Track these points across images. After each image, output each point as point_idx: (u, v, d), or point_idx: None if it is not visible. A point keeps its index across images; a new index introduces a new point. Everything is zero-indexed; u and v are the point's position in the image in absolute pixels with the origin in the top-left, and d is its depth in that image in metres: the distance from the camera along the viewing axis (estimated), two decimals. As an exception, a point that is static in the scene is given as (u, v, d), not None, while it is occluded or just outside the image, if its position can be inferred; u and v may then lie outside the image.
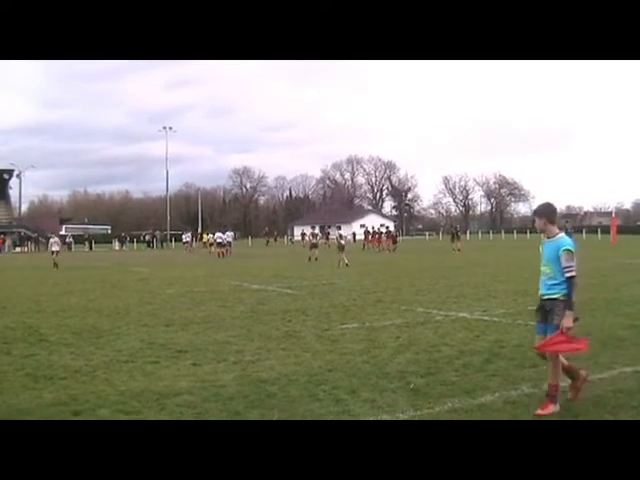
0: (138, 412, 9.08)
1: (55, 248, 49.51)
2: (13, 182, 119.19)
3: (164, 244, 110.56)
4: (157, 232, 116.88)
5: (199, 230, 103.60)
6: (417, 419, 8.42)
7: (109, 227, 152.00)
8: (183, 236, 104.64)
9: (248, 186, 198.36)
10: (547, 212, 9.07)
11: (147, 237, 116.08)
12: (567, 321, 8.53)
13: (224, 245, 65.13)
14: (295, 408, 9.07)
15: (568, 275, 8.53)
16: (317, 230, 58.87)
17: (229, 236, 66.97)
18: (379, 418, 8.46)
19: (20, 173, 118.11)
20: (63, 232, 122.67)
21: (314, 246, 50.38)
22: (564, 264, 8.55)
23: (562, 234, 8.88)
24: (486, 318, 16.92)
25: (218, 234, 69.81)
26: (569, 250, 8.57)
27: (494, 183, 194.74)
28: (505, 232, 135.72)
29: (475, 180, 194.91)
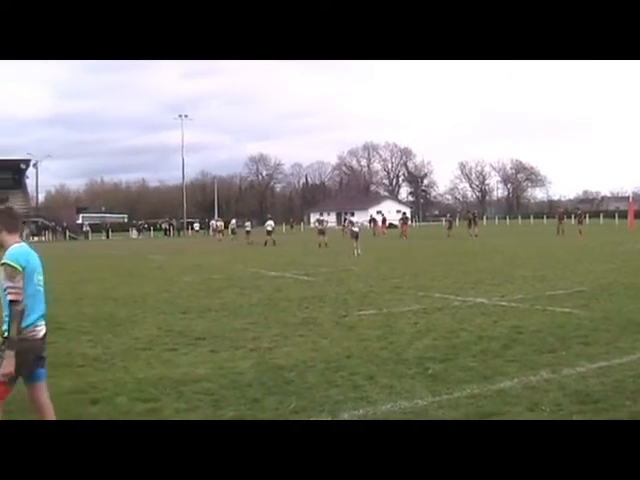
0: (156, 399, 9.10)
1: None
2: (30, 172, 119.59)
3: (180, 232, 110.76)
4: (174, 220, 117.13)
5: (215, 217, 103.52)
6: (435, 405, 8.40)
7: (126, 216, 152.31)
8: (195, 224, 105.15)
9: (264, 173, 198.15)
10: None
11: (164, 225, 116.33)
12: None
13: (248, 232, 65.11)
14: (313, 394, 9.06)
15: (9, 299, 6.26)
16: (325, 217, 58.95)
17: (248, 225, 66.66)
18: (397, 404, 8.45)
19: (37, 163, 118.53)
20: (80, 221, 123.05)
21: (321, 233, 50.41)
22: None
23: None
24: (504, 303, 16.86)
25: (233, 221, 69.88)
26: (8, 265, 6.32)
27: (511, 168, 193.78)
28: (522, 217, 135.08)
29: (491, 165, 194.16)
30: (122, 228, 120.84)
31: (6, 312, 6.25)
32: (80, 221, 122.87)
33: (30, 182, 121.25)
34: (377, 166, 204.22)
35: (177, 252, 52.11)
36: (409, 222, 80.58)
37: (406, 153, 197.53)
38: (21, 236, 6.72)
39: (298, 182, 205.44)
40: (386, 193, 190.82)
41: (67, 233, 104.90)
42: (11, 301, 6.17)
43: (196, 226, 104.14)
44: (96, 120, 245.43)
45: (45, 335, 6.57)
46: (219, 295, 20.88)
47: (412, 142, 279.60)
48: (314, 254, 42.17)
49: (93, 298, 21.17)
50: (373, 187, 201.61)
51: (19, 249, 6.43)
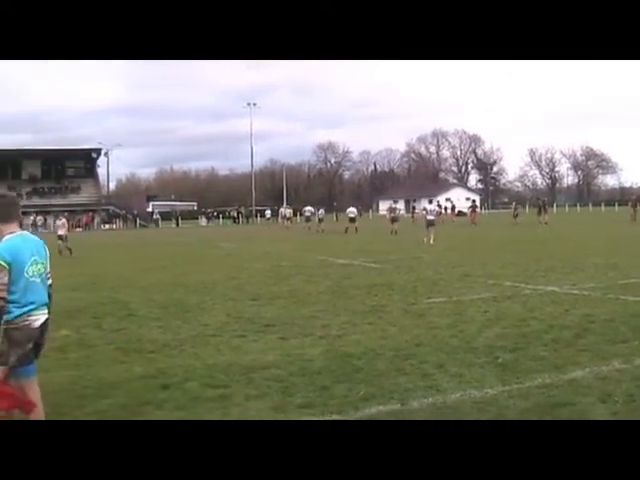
0: (225, 386, 9.16)
1: (62, 232, 39.11)
2: (101, 161, 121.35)
3: (249, 219, 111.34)
4: (242, 208, 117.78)
5: (284, 205, 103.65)
6: (506, 394, 8.33)
7: (195, 204, 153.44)
8: (267, 212, 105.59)
9: (333, 161, 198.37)
10: None
11: (233, 213, 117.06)
12: None
13: (309, 219, 65.33)
14: (382, 382, 9.04)
15: None
16: (397, 204, 58.68)
17: (321, 213, 66.53)
18: (467, 393, 8.39)
19: (108, 152, 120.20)
20: (150, 209, 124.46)
21: (394, 220, 50.32)
22: None
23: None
24: (575, 292, 16.63)
25: (308, 208, 70.10)
26: None
27: (581, 155, 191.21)
28: (593, 205, 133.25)
29: (562, 152, 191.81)
30: (191, 216, 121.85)
31: None
32: (150, 209, 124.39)
33: (101, 171, 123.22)
34: (446, 153, 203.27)
35: (246, 239, 52.41)
36: (478, 209, 79.99)
37: (475, 140, 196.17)
38: (21, 225, 6.71)
39: (367, 169, 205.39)
40: (455, 180, 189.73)
41: (137, 221, 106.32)
42: None
43: (267, 213, 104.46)
44: (166, 109, 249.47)
45: (43, 325, 6.52)
46: (288, 282, 20.96)
47: (481, 129, 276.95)
48: (383, 241, 42.09)
49: (163, 285, 21.41)
50: (442, 174, 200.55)
51: (8, 242, 6.40)
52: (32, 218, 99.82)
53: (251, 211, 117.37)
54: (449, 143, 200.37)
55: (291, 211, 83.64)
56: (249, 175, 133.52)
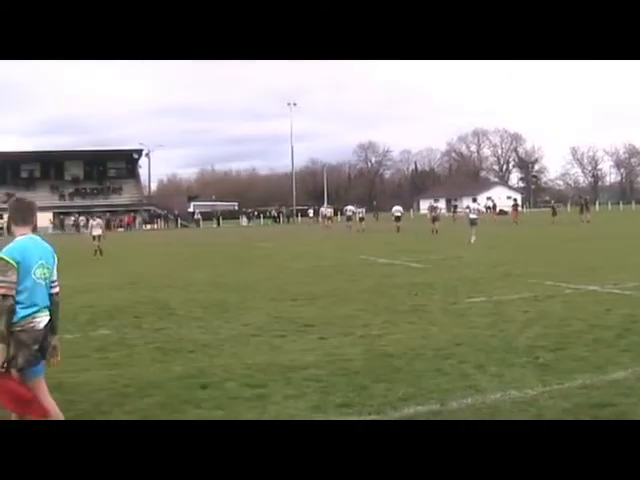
0: (264, 385, 9.16)
1: (97, 232, 39.10)
2: (143, 161, 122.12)
3: (290, 219, 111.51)
4: (283, 208, 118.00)
5: (325, 205, 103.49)
6: (546, 395, 8.26)
7: (236, 204, 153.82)
8: (310, 211, 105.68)
9: (373, 160, 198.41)
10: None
11: (273, 213, 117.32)
12: None
13: (351, 219, 65.29)
14: (421, 382, 9.01)
15: None
16: (438, 203, 58.55)
17: (362, 212, 66.54)
18: (507, 394, 8.33)
19: (149, 152, 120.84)
20: (191, 209, 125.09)
21: (435, 219, 50.20)
22: None
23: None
24: (617, 291, 16.45)
25: (349, 207, 70.14)
26: (1, 259, 6.41)
27: (624, 153, 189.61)
28: (636, 203, 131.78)
29: (604, 150, 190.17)
30: (232, 216, 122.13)
31: None
32: (191, 209, 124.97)
33: (143, 171, 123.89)
34: (487, 152, 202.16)
35: (287, 239, 52.52)
36: (520, 208, 79.58)
37: (516, 138, 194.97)
38: (35, 229, 6.80)
39: (407, 169, 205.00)
40: (496, 179, 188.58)
41: (179, 221, 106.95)
42: (0, 295, 6.25)
43: (310, 213, 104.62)
44: (207, 109, 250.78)
45: (46, 326, 6.52)
46: (328, 282, 20.97)
47: (522, 127, 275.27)
48: (424, 241, 41.97)
49: (204, 284, 21.51)
50: (483, 173, 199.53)
51: (18, 243, 6.52)
52: (73, 219, 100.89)
53: (292, 211, 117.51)
54: (490, 142, 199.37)
55: (332, 210, 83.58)
56: (290, 175, 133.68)
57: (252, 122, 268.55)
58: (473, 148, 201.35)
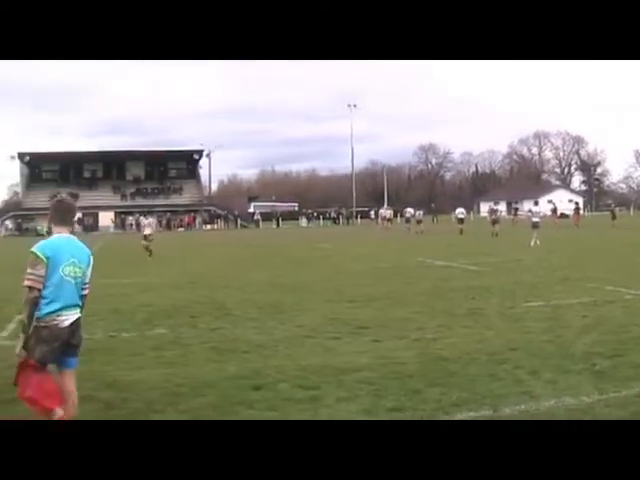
0: (317, 387, 9.16)
1: (148, 231, 37.66)
2: (203, 162, 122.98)
3: (349, 221, 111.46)
4: (343, 209, 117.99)
5: (385, 206, 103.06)
6: (602, 403, 8.14)
7: (296, 204, 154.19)
8: (371, 212, 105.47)
9: (434, 162, 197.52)
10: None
11: (333, 214, 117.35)
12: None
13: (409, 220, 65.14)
14: (475, 387, 8.93)
15: (25, 284, 6.65)
16: (498, 206, 58.24)
17: (419, 214, 66.34)
18: (561, 400, 8.21)
19: (210, 153, 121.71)
20: (251, 209, 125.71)
21: (495, 222, 49.95)
22: None
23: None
24: (680, 298, 16.17)
25: (408, 209, 70.04)
26: (32, 252, 6.70)
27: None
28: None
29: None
30: (292, 217, 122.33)
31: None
32: (251, 210, 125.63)
33: (203, 172, 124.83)
34: (548, 154, 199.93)
35: (346, 240, 52.51)
36: (581, 211, 78.73)
37: (578, 141, 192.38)
38: (72, 230, 7.11)
39: (468, 171, 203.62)
40: (557, 182, 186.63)
41: (238, 221, 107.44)
42: (27, 287, 6.55)
43: (372, 214, 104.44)
44: (267, 110, 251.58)
45: (73, 324, 6.74)
46: (385, 283, 20.94)
47: (584, 130, 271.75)
48: (483, 243, 41.67)
49: (261, 285, 21.59)
50: (544, 176, 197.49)
51: (52, 240, 6.81)
52: (131, 218, 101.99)
53: (351, 212, 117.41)
54: (552, 144, 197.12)
55: (391, 212, 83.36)
56: (349, 176, 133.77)
57: (312, 123, 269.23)
58: (534, 150, 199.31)
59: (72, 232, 7.07)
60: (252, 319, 14.94)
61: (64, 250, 6.72)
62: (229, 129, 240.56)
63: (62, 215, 7.03)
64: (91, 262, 7.03)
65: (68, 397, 6.84)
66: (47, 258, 6.56)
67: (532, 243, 36.98)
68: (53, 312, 6.59)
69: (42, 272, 6.54)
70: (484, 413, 7.84)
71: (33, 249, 6.66)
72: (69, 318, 6.69)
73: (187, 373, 10.22)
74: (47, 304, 6.57)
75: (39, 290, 6.53)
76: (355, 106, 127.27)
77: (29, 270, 6.57)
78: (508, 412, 7.87)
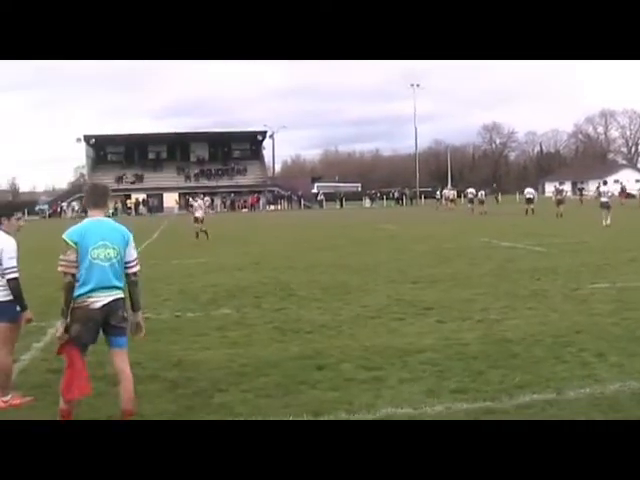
0: (380, 368, 9.20)
1: (199, 214, 36.19)
2: (267, 143, 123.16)
3: (413, 201, 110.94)
4: (406, 189, 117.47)
5: (448, 187, 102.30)
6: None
7: (359, 185, 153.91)
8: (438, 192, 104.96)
9: (498, 142, 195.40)
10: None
11: (396, 194, 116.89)
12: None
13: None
14: (539, 370, 8.89)
15: (58, 270, 7.07)
16: (563, 186, 57.22)
17: (482, 194, 65.49)
18: (627, 385, 8.12)
19: (273, 134, 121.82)
20: (314, 190, 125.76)
21: (560, 202, 49.04)
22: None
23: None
24: None
25: (470, 190, 69.43)
26: (63, 239, 7.01)
27: None
28: None
29: None
30: (355, 197, 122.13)
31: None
32: (315, 190, 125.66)
33: (267, 153, 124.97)
34: (615, 133, 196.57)
35: (409, 221, 52.33)
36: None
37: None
38: (107, 213, 7.34)
39: (532, 150, 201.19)
40: (624, 162, 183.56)
41: (302, 202, 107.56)
42: (61, 272, 6.89)
43: (437, 194, 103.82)
44: (331, 91, 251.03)
45: (108, 305, 6.92)
46: (449, 265, 20.88)
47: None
48: (548, 224, 41.19)
49: (326, 266, 21.66)
50: (610, 155, 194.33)
51: (81, 225, 7.06)
52: (190, 199, 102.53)
53: (415, 192, 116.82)
54: (618, 123, 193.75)
55: (455, 192, 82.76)
56: (413, 156, 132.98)
57: (376, 103, 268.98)
58: (600, 130, 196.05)
59: (107, 214, 7.31)
60: (317, 300, 15.04)
61: (92, 233, 6.94)
62: (293, 110, 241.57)
63: (95, 199, 7.26)
64: (130, 241, 7.21)
65: (121, 376, 7.07)
66: (75, 243, 6.84)
67: (604, 223, 36.46)
68: (84, 294, 6.86)
69: (73, 257, 6.84)
70: (548, 396, 7.80)
71: (63, 235, 6.95)
72: (101, 300, 6.90)
73: (251, 353, 10.32)
74: (79, 286, 6.86)
75: (73, 275, 6.84)
76: (418, 85, 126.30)
77: (61, 256, 6.91)
78: (572, 395, 7.81)
